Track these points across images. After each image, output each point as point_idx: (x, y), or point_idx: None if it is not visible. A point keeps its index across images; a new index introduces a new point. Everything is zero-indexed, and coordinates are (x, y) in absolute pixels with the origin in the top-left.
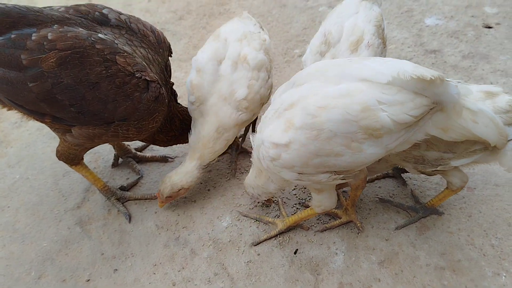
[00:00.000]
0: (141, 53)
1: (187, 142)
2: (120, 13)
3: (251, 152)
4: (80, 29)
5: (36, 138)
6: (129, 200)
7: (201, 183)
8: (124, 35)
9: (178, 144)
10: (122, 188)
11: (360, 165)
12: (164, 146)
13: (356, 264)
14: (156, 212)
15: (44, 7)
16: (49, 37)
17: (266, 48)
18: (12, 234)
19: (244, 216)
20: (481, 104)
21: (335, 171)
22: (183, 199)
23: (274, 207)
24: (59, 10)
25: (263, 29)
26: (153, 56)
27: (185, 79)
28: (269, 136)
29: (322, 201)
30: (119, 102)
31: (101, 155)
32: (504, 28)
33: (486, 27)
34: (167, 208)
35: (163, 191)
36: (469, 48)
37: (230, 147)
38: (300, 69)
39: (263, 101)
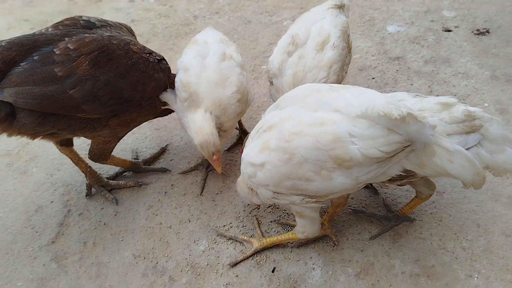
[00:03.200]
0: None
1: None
2: (96, 18)
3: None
4: (86, 34)
5: (5, 175)
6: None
7: (176, 208)
8: (110, 30)
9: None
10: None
11: (331, 192)
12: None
13: (333, 278)
14: (133, 240)
15: (33, 33)
16: (71, 47)
17: (240, 53)
18: None
19: (219, 235)
20: (460, 138)
21: (308, 195)
22: (158, 226)
23: (250, 227)
24: (49, 31)
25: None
26: (132, 38)
27: None
28: (247, 154)
29: (305, 227)
30: (146, 84)
31: (73, 186)
32: (463, 31)
33: (445, 31)
34: (143, 237)
35: (216, 145)
36: (430, 52)
37: (200, 164)
38: (267, 74)
39: (246, 99)
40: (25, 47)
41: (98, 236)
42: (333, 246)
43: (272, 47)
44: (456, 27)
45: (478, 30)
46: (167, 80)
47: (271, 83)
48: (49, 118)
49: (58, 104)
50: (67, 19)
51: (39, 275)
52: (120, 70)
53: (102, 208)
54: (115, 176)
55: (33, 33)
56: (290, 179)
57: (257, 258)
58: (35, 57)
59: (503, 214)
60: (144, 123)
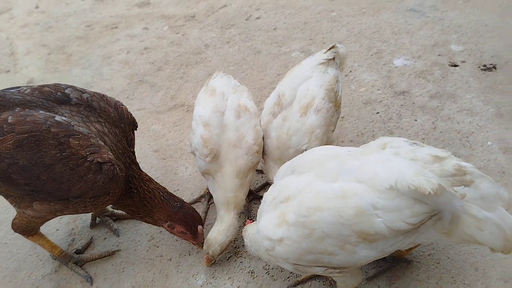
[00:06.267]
0: (95, 128)
1: (153, 223)
2: (83, 92)
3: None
4: (40, 111)
5: None
6: (86, 262)
7: (177, 240)
8: (81, 112)
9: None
10: (78, 252)
11: (355, 264)
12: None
13: None
14: (133, 271)
15: (12, 88)
16: (9, 121)
17: (251, 98)
18: None
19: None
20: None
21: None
22: (159, 258)
23: (247, 263)
24: (25, 92)
25: (240, 83)
26: (109, 129)
27: (162, 132)
28: (264, 227)
29: (346, 282)
30: (72, 182)
31: (79, 215)
32: (469, 66)
33: (452, 66)
34: (143, 269)
35: (214, 253)
36: (436, 88)
37: (203, 196)
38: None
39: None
40: None
41: (99, 266)
42: (330, 286)
43: (279, 78)
44: (463, 62)
45: (485, 65)
46: (109, 184)
47: None
48: None
49: None
50: (49, 86)
51: None
52: (44, 160)
53: (105, 238)
54: None
55: (3, 89)
56: (312, 254)
57: None
58: None
59: (502, 258)
60: (150, 151)
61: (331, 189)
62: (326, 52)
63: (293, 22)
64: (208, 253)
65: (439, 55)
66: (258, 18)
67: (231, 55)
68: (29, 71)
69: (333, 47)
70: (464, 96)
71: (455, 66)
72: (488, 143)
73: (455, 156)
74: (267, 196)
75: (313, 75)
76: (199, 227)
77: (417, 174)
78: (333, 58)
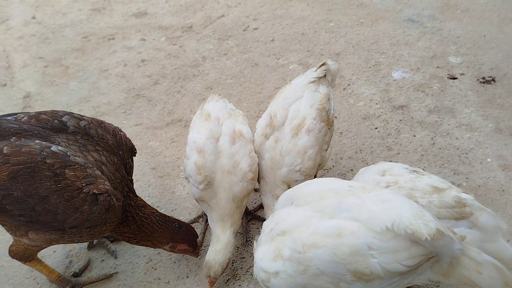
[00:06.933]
0: (93, 157)
1: (151, 246)
2: (81, 119)
3: None
4: (36, 141)
5: None
6: (84, 285)
7: (174, 262)
8: (78, 141)
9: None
10: (75, 275)
11: None
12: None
13: None
14: None
15: (9, 114)
16: (5, 151)
17: (247, 122)
18: None
19: None
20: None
21: None
22: (156, 281)
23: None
24: (22, 120)
25: (235, 106)
26: (107, 157)
27: (160, 149)
28: (260, 260)
29: None
30: (68, 214)
31: None
32: (468, 79)
33: (451, 78)
34: None
35: (216, 274)
36: (435, 102)
37: (201, 216)
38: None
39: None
40: None
41: None
42: None
43: (277, 91)
44: (461, 74)
45: (483, 78)
46: (105, 215)
47: None
48: None
49: None
50: (46, 113)
51: None
52: (39, 191)
53: (103, 260)
54: None
55: (7, 115)
56: None
57: None
58: None
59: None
60: (147, 169)
61: (327, 227)
62: (316, 70)
63: (290, 33)
64: (210, 276)
65: (438, 67)
66: (255, 29)
67: (228, 67)
68: (25, 85)
69: (323, 64)
70: (463, 111)
71: (454, 78)
72: (488, 159)
73: (455, 173)
74: (266, 226)
75: (304, 95)
76: (198, 239)
77: (415, 217)
78: (324, 76)
